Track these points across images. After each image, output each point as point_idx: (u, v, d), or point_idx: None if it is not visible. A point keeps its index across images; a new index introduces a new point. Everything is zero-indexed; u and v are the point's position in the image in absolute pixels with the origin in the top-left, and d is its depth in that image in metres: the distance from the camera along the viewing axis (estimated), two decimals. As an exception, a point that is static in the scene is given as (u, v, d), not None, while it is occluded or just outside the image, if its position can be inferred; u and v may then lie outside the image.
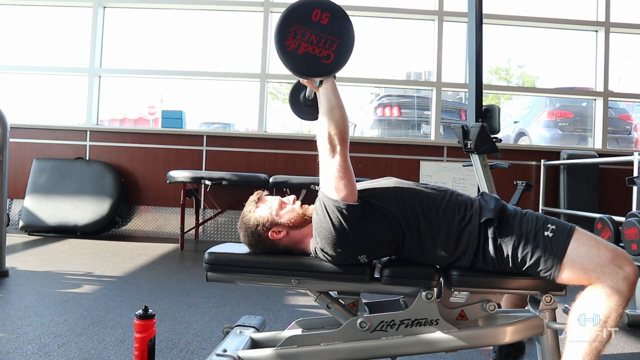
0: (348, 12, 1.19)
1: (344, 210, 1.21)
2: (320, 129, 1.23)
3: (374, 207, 1.26)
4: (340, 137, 1.20)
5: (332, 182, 1.22)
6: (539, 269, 1.21)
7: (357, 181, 1.33)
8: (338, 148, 1.20)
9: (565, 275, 1.19)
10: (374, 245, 1.26)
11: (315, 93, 1.42)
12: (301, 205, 1.40)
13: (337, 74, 1.24)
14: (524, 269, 1.23)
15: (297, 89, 1.62)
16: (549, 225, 1.23)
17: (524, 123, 6.58)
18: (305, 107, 1.63)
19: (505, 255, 1.23)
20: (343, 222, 1.21)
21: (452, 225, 1.26)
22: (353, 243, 1.24)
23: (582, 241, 1.19)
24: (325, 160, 1.22)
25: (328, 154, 1.21)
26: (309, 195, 4.08)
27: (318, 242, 1.27)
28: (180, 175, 4.12)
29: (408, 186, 1.33)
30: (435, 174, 4.65)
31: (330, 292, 1.38)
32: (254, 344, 1.40)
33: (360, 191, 1.28)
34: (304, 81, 1.33)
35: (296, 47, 1.13)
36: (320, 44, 1.14)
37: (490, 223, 1.24)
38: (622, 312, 1.15)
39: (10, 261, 3.13)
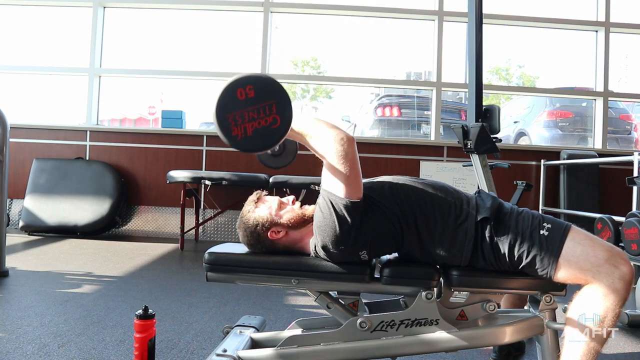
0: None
1: (350, 207, 1.21)
2: (323, 147, 1.22)
3: (374, 201, 1.27)
4: (347, 138, 1.20)
5: (342, 181, 1.21)
6: (536, 267, 1.21)
7: None
8: (349, 149, 1.20)
9: (562, 274, 1.19)
10: (375, 241, 1.26)
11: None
12: (300, 205, 1.40)
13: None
14: (520, 267, 1.24)
15: None
16: (544, 224, 1.23)
17: (524, 123, 6.58)
18: (273, 158, 1.64)
19: (502, 254, 1.24)
20: (348, 218, 1.21)
21: (448, 222, 1.26)
22: (355, 239, 1.24)
23: (578, 240, 1.19)
24: (338, 163, 1.21)
25: (342, 157, 1.20)
26: (308, 195, 4.08)
27: (319, 240, 1.27)
28: (180, 175, 4.12)
29: (404, 182, 1.33)
30: (435, 174, 4.65)
31: (330, 292, 1.38)
32: (254, 344, 1.40)
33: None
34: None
35: (244, 132, 1.13)
36: (261, 114, 1.13)
37: (486, 221, 1.25)
38: (619, 311, 1.15)
39: (10, 261, 3.13)
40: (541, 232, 1.22)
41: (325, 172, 1.26)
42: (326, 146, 1.21)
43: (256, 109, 1.13)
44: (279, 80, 1.18)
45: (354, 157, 1.21)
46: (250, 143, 1.14)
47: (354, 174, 1.21)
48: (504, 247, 1.23)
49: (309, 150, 1.28)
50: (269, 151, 1.61)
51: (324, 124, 1.23)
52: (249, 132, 1.13)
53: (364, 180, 1.36)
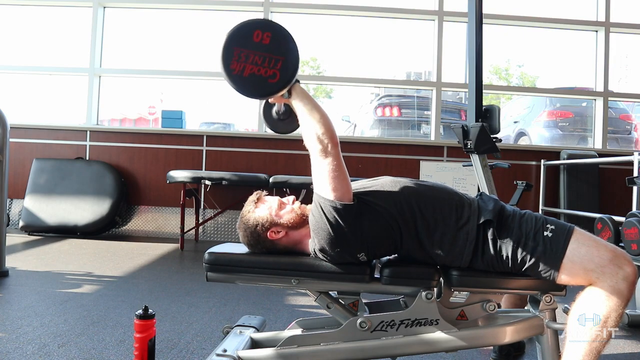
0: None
1: (341, 210, 1.21)
2: (306, 134, 1.22)
3: (370, 204, 1.26)
4: (328, 136, 1.20)
5: (326, 182, 1.22)
6: (539, 269, 1.21)
7: (354, 180, 1.34)
8: (329, 147, 1.20)
9: (565, 276, 1.19)
10: (372, 243, 1.26)
11: (286, 105, 1.42)
12: (300, 205, 1.40)
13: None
14: (523, 269, 1.23)
15: (268, 107, 1.63)
16: (548, 226, 1.22)
17: (524, 123, 6.58)
18: (279, 122, 1.63)
19: (505, 257, 1.23)
20: (340, 221, 1.21)
21: (449, 225, 1.26)
22: (351, 241, 1.24)
23: (582, 241, 1.19)
24: (318, 161, 1.22)
25: (320, 154, 1.21)
26: (308, 195, 4.08)
27: (316, 242, 1.27)
28: (180, 175, 4.12)
29: (404, 184, 1.33)
30: (435, 174, 4.65)
31: (330, 292, 1.38)
32: (254, 344, 1.40)
33: (356, 190, 1.28)
34: (272, 98, 1.32)
35: (241, 70, 1.14)
36: (265, 64, 1.14)
37: (489, 224, 1.24)
38: (622, 312, 1.15)
39: (10, 261, 3.13)
40: (545, 233, 1.21)
41: (312, 172, 1.26)
42: (309, 136, 1.22)
43: (263, 56, 1.13)
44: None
45: (335, 159, 1.20)
46: (241, 83, 1.15)
47: (335, 175, 1.21)
48: (507, 250, 1.23)
49: (308, 150, 1.28)
50: (274, 113, 1.60)
51: (319, 115, 1.21)
52: (246, 72, 1.14)
53: (363, 182, 1.36)
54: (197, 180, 4.11)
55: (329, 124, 1.21)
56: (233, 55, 1.13)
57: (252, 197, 1.41)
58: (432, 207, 1.27)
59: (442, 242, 1.25)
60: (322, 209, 1.23)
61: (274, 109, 1.59)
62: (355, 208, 1.23)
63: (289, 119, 1.58)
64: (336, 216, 1.21)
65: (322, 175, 1.22)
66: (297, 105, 1.24)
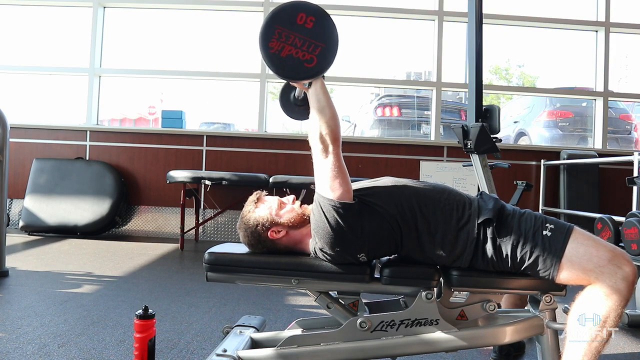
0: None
1: (340, 209, 1.21)
2: (311, 129, 1.23)
3: (371, 205, 1.26)
4: (332, 137, 1.21)
5: (326, 182, 1.22)
6: (538, 268, 1.21)
7: (354, 181, 1.34)
8: (330, 147, 1.21)
9: (564, 275, 1.19)
10: (372, 243, 1.26)
11: (304, 93, 1.42)
12: (300, 205, 1.40)
13: (329, 74, 1.24)
14: (522, 268, 1.23)
15: (287, 89, 1.63)
16: (547, 225, 1.23)
17: (524, 123, 6.58)
18: (295, 107, 1.63)
19: (504, 255, 1.23)
20: (340, 221, 1.21)
21: (450, 224, 1.26)
22: (351, 241, 1.24)
23: (581, 241, 1.19)
24: (319, 160, 1.23)
25: (321, 153, 1.22)
26: (308, 195, 4.08)
27: (317, 242, 1.27)
28: (180, 175, 4.12)
29: (405, 184, 1.33)
30: (435, 174, 4.66)
31: (330, 292, 1.38)
32: (254, 344, 1.40)
33: (356, 190, 1.28)
34: (293, 82, 1.33)
35: (280, 50, 1.14)
36: (304, 47, 1.14)
37: (488, 223, 1.24)
38: (622, 311, 1.15)
39: (10, 261, 3.13)
40: (544, 232, 1.21)
41: (314, 171, 1.26)
42: (313, 133, 1.22)
43: (303, 40, 1.14)
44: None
45: (336, 160, 1.21)
46: (277, 62, 1.15)
47: (335, 174, 1.21)
48: (507, 249, 1.23)
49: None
50: (292, 97, 1.60)
51: (330, 115, 1.21)
52: (284, 53, 1.14)
53: (364, 182, 1.36)
54: (197, 180, 4.11)
55: (336, 125, 1.22)
56: (274, 34, 1.13)
57: (252, 198, 1.42)
58: (433, 208, 1.27)
59: (444, 242, 1.25)
60: (322, 208, 1.23)
61: (294, 93, 1.58)
62: (355, 208, 1.23)
63: (304, 107, 1.58)
64: (335, 215, 1.21)
65: (323, 175, 1.23)
66: (313, 98, 1.24)
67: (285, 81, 1.52)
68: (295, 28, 1.14)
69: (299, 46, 1.13)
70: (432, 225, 1.26)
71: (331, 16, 1.17)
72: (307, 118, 1.53)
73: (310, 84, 1.25)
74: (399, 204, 1.27)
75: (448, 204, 1.28)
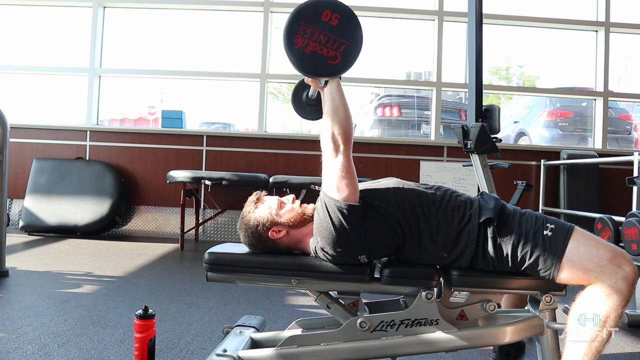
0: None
1: (345, 210, 1.21)
2: (324, 129, 1.23)
3: (375, 207, 1.26)
4: (343, 137, 1.21)
5: (334, 182, 1.22)
6: (538, 268, 1.21)
7: (359, 182, 1.34)
8: (341, 148, 1.21)
9: (565, 275, 1.19)
10: (374, 246, 1.26)
11: (318, 93, 1.42)
12: (300, 204, 1.40)
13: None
14: (523, 268, 1.23)
15: (300, 88, 1.62)
16: (548, 225, 1.23)
17: (524, 123, 6.58)
18: (307, 106, 1.63)
19: (504, 255, 1.23)
20: (343, 221, 1.21)
21: (452, 225, 1.26)
22: (353, 243, 1.24)
23: (581, 241, 1.19)
24: (329, 159, 1.23)
25: (331, 153, 1.22)
26: (309, 195, 4.08)
27: (318, 241, 1.27)
28: (180, 175, 4.12)
29: (409, 187, 1.33)
30: (435, 174, 4.65)
31: (330, 292, 1.38)
32: (254, 344, 1.40)
33: (360, 191, 1.28)
34: (308, 80, 1.33)
35: (304, 46, 1.14)
36: (328, 44, 1.14)
37: (489, 222, 1.24)
38: (622, 311, 1.15)
39: (10, 261, 3.13)
40: (544, 232, 1.21)
41: (323, 171, 1.26)
42: (325, 132, 1.22)
43: (328, 37, 1.14)
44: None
45: (346, 161, 1.21)
46: (301, 58, 1.14)
47: (343, 175, 1.21)
48: (507, 248, 1.23)
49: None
50: (304, 96, 1.59)
51: (343, 115, 1.21)
52: (308, 49, 1.14)
53: (367, 184, 1.36)
54: (197, 180, 4.11)
55: (349, 126, 1.22)
56: (299, 30, 1.13)
57: (252, 198, 1.42)
58: (436, 210, 1.27)
59: (446, 243, 1.26)
60: (327, 207, 1.23)
61: (308, 92, 1.58)
62: (359, 210, 1.23)
63: (316, 107, 1.58)
64: (340, 216, 1.21)
65: (331, 174, 1.23)
66: (328, 97, 1.24)
67: (297, 81, 1.52)
68: (320, 25, 1.14)
69: (323, 43, 1.13)
70: (434, 227, 1.26)
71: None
72: (319, 118, 1.53)
73: (326, 83, 1.25)
74: (402, 207, 1.27)
75: (450, 205, 1.28)
